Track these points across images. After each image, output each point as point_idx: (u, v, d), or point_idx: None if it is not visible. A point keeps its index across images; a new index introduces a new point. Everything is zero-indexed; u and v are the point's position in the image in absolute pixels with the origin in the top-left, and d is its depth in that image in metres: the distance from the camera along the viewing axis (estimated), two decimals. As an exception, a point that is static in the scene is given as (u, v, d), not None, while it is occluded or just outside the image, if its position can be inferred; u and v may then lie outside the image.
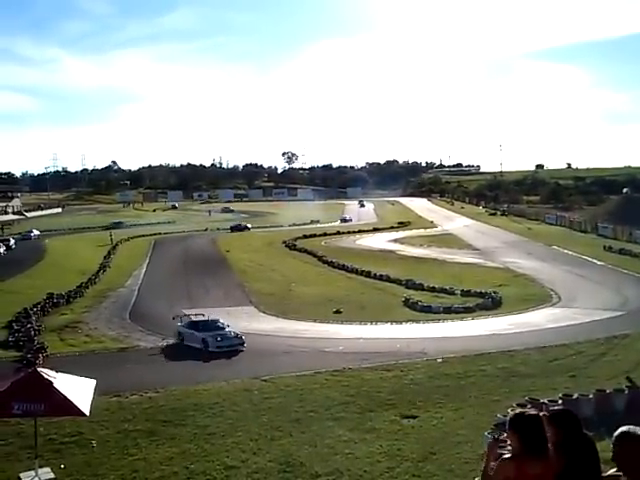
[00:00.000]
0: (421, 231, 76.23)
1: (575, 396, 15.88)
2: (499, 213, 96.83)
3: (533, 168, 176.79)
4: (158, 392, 19.33)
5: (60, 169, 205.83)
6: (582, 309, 31.90)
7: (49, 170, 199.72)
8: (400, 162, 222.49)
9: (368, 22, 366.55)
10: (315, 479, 12.90)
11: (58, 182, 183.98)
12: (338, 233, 75.37)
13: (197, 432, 15.79)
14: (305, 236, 70.46)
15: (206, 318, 27.43)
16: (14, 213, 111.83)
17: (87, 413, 12.32)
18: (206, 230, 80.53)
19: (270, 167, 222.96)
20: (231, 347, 25.19)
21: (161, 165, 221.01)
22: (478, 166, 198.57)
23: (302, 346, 25.65)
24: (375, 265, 47.07)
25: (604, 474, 4.48)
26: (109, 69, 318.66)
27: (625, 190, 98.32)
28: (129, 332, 29.31)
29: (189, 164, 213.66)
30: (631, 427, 4.20)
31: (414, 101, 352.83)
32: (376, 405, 17.72)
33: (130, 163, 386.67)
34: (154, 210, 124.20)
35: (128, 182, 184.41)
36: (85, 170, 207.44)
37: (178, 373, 22.51)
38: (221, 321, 27.16)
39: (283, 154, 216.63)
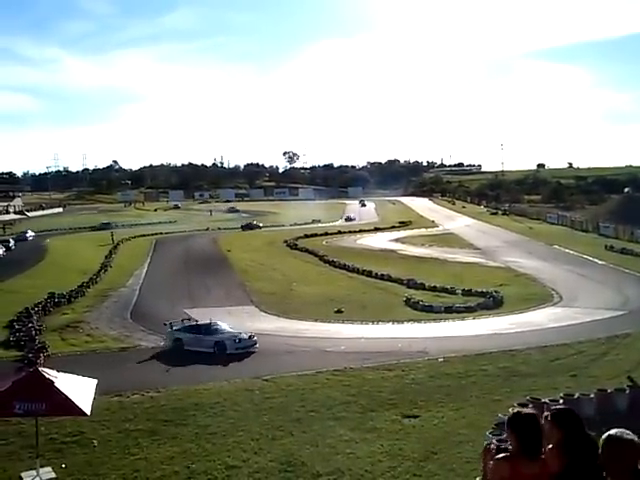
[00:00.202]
0: (422, 230, 76.21)
1: (576, 396, 15.87)
2: (500, 212, 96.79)
3: (534, 167, 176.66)
4: (159, 392, 19.34)
5: (61, 169, 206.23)
6: (583, 308, 31.87)
7: (50, 170, 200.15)
8: (401, 161, 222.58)
9: (368, 22, 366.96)
10: (316, 479, 12.90)
11: (59, 182, 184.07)
12: (339, 232, 75.35)
13: (198, 432, 15.80)
14: (306, 235, 70.45)
15: (204, 322, 26.74)
16: (15, 213, 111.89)
17: (88, 413, 12.35)
18: (207, 230, 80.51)
19: (271, 167, 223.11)
20: (246, 349, 24.92)
21: (162, 165, 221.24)
22: (479, 165, 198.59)
23: (303, 346, 25.64)
24: (376, 264, 47.05)
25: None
26: (110, 69, 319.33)
27: (626, 189, 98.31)
28: (130, 332, 29.33)
29: (190, 164, 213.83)
30: (619, 430, 4.17)
31: (415, 101, 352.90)
32: (377, 405, 17.72)
33: (131, 163, 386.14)
34: (155, 210, 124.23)
35: (129, 182, 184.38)
36: (86, 170, 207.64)
37: (188, 376, 21.84)
38: (219, 323, 26.83)
39: (284, 154, 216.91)
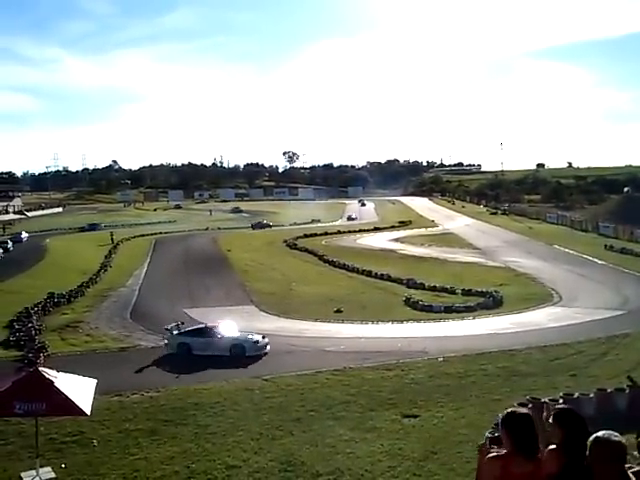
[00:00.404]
0: (422, 230, 76.24)
1: (576, 395, 15.86)
2: (500, 212, 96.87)
3: (534, 167, 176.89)
4: (159, 391, 19.34)
5: (61, 169, 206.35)
6: (583, 308, 31.88)
7: (50, 170, 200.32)
8: (401, 161, 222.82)
9: (369, 22, 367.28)
10: (316, 478, 12.90)
11: (59, 182, 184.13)
12: (339, 232, 75.38)
13: (198, 431, 15.79)
14: (306, 235, 70.50)
15: (210, 324, 26.06)
16: (15, 213, 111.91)
17: (88, 412, 12.34)
18: (207, 229, 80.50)
19: (271, 166, 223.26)
20: (262, 350, 24.71)
21: (162, 164, 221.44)
22: (479, 165, 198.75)
23: (303, 345, 25.64)
24: (376, 264, 47.06)
25: None
26: (110, 69, 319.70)
27: (626, 189, 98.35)
28: (130, 331, 29.32)
29: (190, 163, 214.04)
30: (606, 432, 4.17)
31: (415, 100, 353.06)
32: (377, 404, 17.72)
33: (131, 163, 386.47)
34: (155, 209, 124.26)
35: (129, 181, 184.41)
36: (86, 170, 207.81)
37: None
38: (225, 325, 26.26)
39: (284, 153, 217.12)
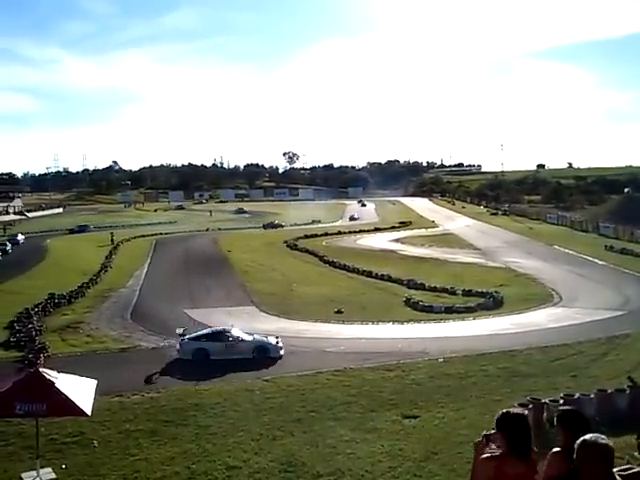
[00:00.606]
0: (422, 231, 76.22)
1: (576, 396, 15.87)
2: (500, 213, 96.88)
3: (534, 168, 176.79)
4: (159, 392, 19.36)
5: (61, 169, 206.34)
6: (583, 309, 31.88)
7: (50, 170, 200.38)
8: (401, 162, 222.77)
9: (369, 22, 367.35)
10: (317, 479, 12.90)
11: (59, 182, 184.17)
12: (339, 233, 75.40)
13: (199, 432, 15.80)
14: (306, 236, 70.48)
15: (224, 328, 25.30)
16: (15, 213, 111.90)
17: (89, 413, 12.35)
18: (207, 230, 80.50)
19: (271, 167, 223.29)
20: (280, 351, 24.44)
21: (162, 165, 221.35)
22: (479, 166, 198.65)
23: (303, 346, 25.62)
24: (376, 265, 47.05)
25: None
26: (110, 69, 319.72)
27: (627, 190, 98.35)
28: (130, 332, 29.28)
29: (190, 164, 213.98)
30: (593, 435, 4.15)
31: (415, 101, 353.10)
32: (378, 405, 17.73)
33: (131, 163, 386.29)
34: (155, 210, 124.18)
35: (129, 182, 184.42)
36: (86, 170, 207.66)
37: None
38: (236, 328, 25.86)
39: (284, 154, 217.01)
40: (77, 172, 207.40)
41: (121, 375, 21.49)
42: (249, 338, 24.72)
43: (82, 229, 79.94)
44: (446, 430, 15.50)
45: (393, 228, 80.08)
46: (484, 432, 5.35)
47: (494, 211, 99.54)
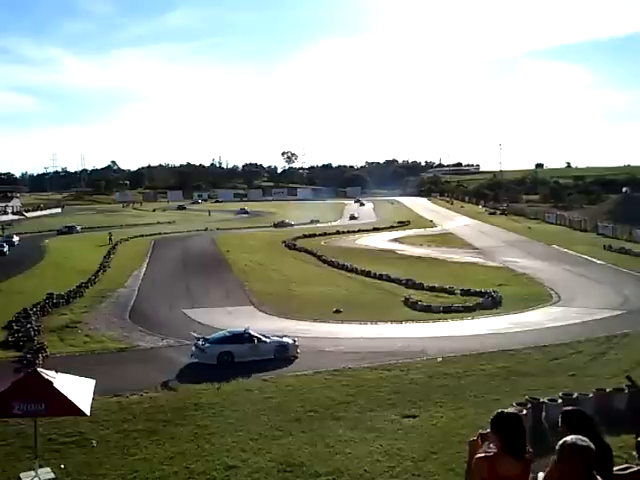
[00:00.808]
0: (421, 230, 76.30)
1: (575, 395, 15.88)
2: (499, 212, 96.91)
3: (533, 167, 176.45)
4: (158, 392, 19.34)
5: (59, 169, 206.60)
6: (582, 308, 31.90)
7: (49, 170, 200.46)
8: (400, 161, 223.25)
9: (368, 22, 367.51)
10: (315, 479, 12.90)
11: (57, 182, 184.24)
12: (338, 233, 75.41)
13: (197, 432, 15.79)
14: (305, 235, 70.55)
15: (243, 329, 24.78)
16: (14, 213, 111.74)
17: (87, 413, 12.33)
18: (206, 230, 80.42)
19: (270, 167, 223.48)
20: (296, 350, 24.51)
21: (160, 165, 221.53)
22: (478, 165, 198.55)
23: (302, 346, 25.54)
24: (375, 265, 47.06)
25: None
26: (109, 69, 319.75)
27: (625, 189, 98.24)
28: (129, 332, 29.26)
29: (189, 164, 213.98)
30: (573, 437, 4.15)
31: (414, 100, 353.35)
32: (376, 405, 17.72)
33: (129, 163, 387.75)
34: (154, 210, 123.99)
35: (127, 182, 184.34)
36: (85, 170, 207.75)
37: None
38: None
39: (283, 154, 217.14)
40: (75, 172, 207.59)
41: (120, 375, 21.47)
42: (270, 339, 24.65)
43: (69, 230, 78.54)
44: (445, 429, 15.49)
45: (392, 228, 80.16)
46: (479, 431, 5.36)
47: (492, 211, 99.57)
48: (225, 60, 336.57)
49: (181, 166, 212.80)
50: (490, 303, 33.46)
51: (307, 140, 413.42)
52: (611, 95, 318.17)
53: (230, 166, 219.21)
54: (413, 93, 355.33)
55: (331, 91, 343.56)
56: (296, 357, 23.99)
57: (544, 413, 15.34)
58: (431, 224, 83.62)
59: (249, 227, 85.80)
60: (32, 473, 13.09)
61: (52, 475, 13.21)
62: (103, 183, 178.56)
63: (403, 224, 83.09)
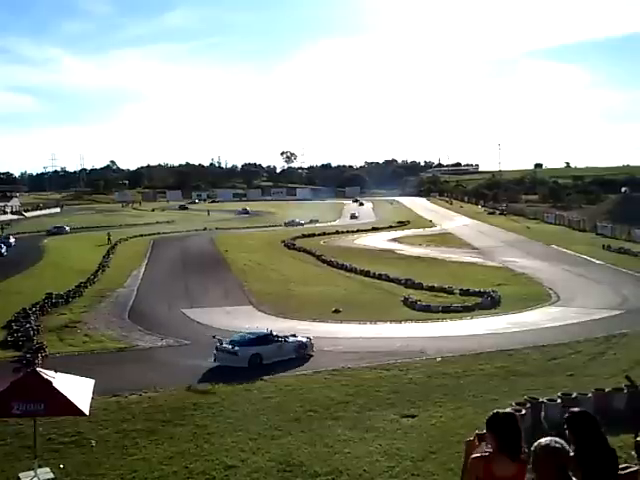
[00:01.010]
0: (420, 230, 76.34)
1: (574, 395, 15.88)
2: (498, 212, 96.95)
3: (532, 167, 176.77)
4: (157, 392, 19.33)
5: (59, 169, 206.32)
6: (581, 308, 31.93)
7: (48, 170, 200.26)
8: (399, 161, 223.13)
9: (367, 22, 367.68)
10: (314, 478, 12.89)
11: (57, 182, 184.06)
12: (337, 232, 75.44)
13: (196, 432, 15.77)
14: (304, 235, 70.56)
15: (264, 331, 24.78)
16: (13, 213, 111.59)
17: (87, 413, 12.31)
18: (205, 230, 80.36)
19: (269, 166, 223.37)
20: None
21: (160, 165, 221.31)
22: (477, 165, 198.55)
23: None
24: (374, 264, 47.07)
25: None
26: (108, 69, 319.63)
27: (624, 189, 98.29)
28: (128, 332, 29.28)
29: (188, 163, 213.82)
30: (548, 438, 4.16)
31: (413, 100, 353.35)
32: (375, 404, 17.72)
33: (129, 163, 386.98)
34: (152, 210, 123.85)
35: (127, 182, 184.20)
36: (84, 170, 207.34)
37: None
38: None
39: (282, 153, 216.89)
40: (75, 171, 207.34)
41: (119, 375, 21.47)
42: (295, 338, 24.81)
43: (59, 230, 77.58)
44: (444, 429, 15.48)
45: (391, 227, 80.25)
46: (476, 431, 5.37)
47: (491, 210, 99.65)
48: (224, 60, 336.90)
49: (180, 166, 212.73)
50: (489, 303, 33.49)
51: (306, 140, 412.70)
52: (609, 95, 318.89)
53: (229, 166, 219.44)
54: (412, 93, 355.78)
55: (330, 91, 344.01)
56: (311, 355, 24.18)
57: (543, 413, 15.35)
58: (430, 224, 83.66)
59: (248, 227, 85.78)
60: (31, 473, 13.07)
61: (51, 475, 13.19)
62: (102, 183, 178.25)
63: (402, 224, 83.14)
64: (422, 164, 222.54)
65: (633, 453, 5.45)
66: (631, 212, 68.71)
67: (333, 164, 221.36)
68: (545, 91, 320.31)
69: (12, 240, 64.42)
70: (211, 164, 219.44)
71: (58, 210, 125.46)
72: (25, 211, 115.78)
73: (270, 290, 39.31)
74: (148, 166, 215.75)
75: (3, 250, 57.03)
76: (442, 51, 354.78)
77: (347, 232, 75.56)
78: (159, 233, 74.53)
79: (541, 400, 15.64)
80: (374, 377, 20.59)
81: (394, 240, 67.07)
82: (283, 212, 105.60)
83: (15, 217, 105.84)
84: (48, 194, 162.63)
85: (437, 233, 73.26)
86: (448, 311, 32.46)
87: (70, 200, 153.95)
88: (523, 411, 14.31)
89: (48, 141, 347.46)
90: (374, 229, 78.06)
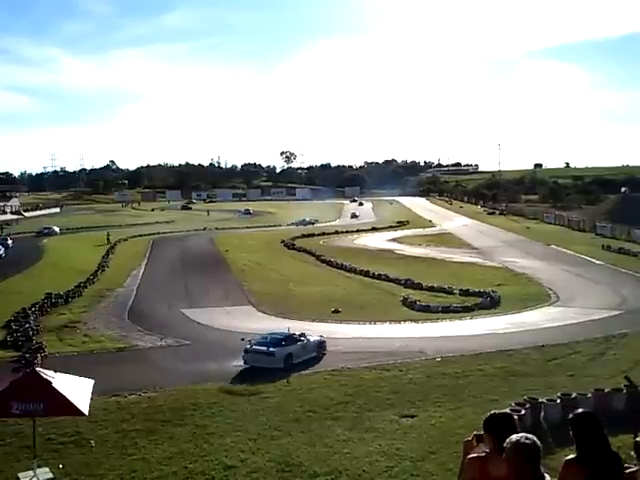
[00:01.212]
0: (420, 230, 76.31)
1: (574, 395, 15.88)
2: (497, 212, 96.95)
3: (532, 167, 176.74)
4: (157, 392, 19.32)
5: (58, 169, 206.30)
6: (580, 308, 31.93)
7: (47, 170, 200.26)
8: (399, 161, 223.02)
9: (367, 22, 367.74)
10: (314, 479, 12.88)
11: (56, 182, 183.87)
12: (336, 232, 75.42)
13: (196, 432, 15.76)
14: (304, 235, 70.55)
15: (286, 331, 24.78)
16: (12, 213, 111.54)
17: (86, 413, 12.31)
18: (204, 230, 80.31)
19: (268, 166, 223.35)
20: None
21: (159, 165, 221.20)
22: (476, 165, 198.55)
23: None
24: (374, 264, 47.07)
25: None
26: (108, 69, 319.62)
27: (623, 189, 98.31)
28: (127, 332, 29.27)
29: (187, 163, 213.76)
30: (520, 435, 4.17)
31: (413, 100, 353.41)
32: (375, 404, 17.72)
33: (128, 163, 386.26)
34: (152, 210, 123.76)
35: (126, 182, 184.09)
36: (83, 170, 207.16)
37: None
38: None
39: (281, 153, 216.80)
40: (74, 171, 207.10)
41: (118, 375, 21.46)
42: (314, 337, 24.99)
43: (48, 232, 76.07)
44: (443, 429, 15.48)
45: (390, 227, 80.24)
46: (474, 432, 5.36)
47: (491, 211, 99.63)
48: (224, 60, 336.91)
49: (180, 166, 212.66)
50: (489, 303, 33.50)
51: (306, 140, 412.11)
52: (610, 95, 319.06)
53: (229, 166, 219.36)
54: (412, 93, 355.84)
55: (330, 91, 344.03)
56: (325, 354, 24.30)
57: (543, 413, 15.36)
58: (430, 224, 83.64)
59: (248, 227, 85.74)
60: (30, 473, 13.06)
61: (51, 475, 13.18)
62: (102, 183, 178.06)
63: (402, 224, 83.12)
64: (422, 164, 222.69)
65: (632, 453, 5.44)
66: (631, 212, 68.74)
67: (333, 164, 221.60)
68: (545, 91, 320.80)
69: (10, 242, 63.55)
70: (211, 164, 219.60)
71: (58, 210, 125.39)
72: (25, 211, 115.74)
73: (270, 290, 39.31)
74: (148, 166, 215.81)
75: (1, 252, 56.14)
76: (442, 51, 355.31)
77: (347, 232, 75.54)
78: (159, 233, 74.49)
79: (541, 400, 15.65)
80: (373, 377, 20.59)
81: (394, 240, 67.07)
82: (283, 212, 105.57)
83: (15, 217, 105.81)
84: (48, 194, 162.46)
85: (437, 233, 73.25)
86: (448, 311, 32.46)
87: (70, 200, 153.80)
88: (523, 411, 14.32)
89: (48, 141, 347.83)
90: (374, 229, 78.04)
